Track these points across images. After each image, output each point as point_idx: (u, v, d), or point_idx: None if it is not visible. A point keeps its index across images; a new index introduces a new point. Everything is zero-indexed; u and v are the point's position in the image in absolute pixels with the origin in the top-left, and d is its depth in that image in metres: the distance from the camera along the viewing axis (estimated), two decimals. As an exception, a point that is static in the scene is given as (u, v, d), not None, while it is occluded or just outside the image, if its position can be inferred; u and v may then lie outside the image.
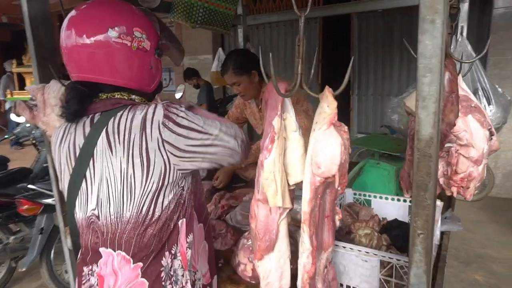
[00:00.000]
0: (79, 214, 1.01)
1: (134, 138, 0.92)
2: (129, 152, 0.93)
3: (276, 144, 0.90)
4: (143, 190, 0.94)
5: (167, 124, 0.91)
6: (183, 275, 1.01)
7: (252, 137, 3.09)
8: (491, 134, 1.30)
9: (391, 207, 1.50)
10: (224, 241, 1.46)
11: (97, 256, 0.98)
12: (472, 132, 1.26)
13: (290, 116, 0.95)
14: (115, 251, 0.95)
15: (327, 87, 0.86)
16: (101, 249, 0.97)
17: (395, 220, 1.30)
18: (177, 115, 0.92)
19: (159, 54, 1.04)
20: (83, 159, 0.98)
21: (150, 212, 0.95)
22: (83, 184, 0.99)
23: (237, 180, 2.28)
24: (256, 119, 2.27)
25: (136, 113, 0.94)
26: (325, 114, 0.83)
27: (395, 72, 5.27)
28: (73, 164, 1.00)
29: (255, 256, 1.00)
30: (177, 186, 0.97)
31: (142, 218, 0.94)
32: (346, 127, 0.90)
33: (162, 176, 0.93)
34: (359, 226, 1.27)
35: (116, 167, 0.94)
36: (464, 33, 2.11)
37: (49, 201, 2.66)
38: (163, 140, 0.91)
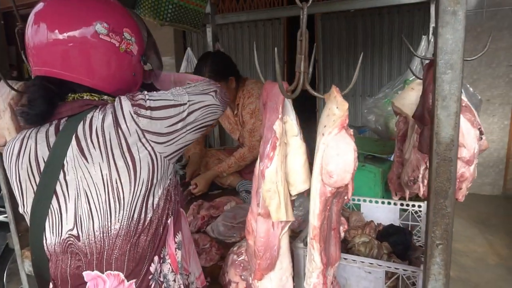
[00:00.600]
0: (51, 239, 0.85)
1: (110, 138, 0.80)
2: (108, 156, 0.80)
3: (278, 151, 0.81)
4: (133, 193, 0.82)
5: (139, 112, 0.81)
6: (174, 280, 0.90)
7: (224, 141, 2.97)
8: (481, 133, 1.29)
9: (381, 211, 1.45)
10: (209, 256, 1.34)
11: (79, 283, 0.83)
12: (464, 132, 1.24)
13: (291, 119, 0.85)
14: (103, 272, 0.82)
15: (334, 86, 0.78)
16: (85, 273, 0.83)
17: (391, 226, 1.25)
18: (144, 99, 0.83)
19: (145, 61, 0.96)
20: (51, 174, 0.83)
21: (142, 216, 0.83)
22: (54, 202, 0.84)
23: (213, 187, 2.16)
24: (231, 124, 2.16)
25: (106, 112, 0.82)
26: (334, 117, 0.75)
27: (359, 73, 5.37)
28: (37, 180, 0.84)
29: (254, 276, 0.90)
30: (165, 179, 0.88)
31: (134, 226, 0.82)
32: (351, 130, 0.82)
33: (151, 172, 0.83)
34: (354, 233, 1.21)
35: (95, 175, 0.81)
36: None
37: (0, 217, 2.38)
38: (142, 130, 0.80)
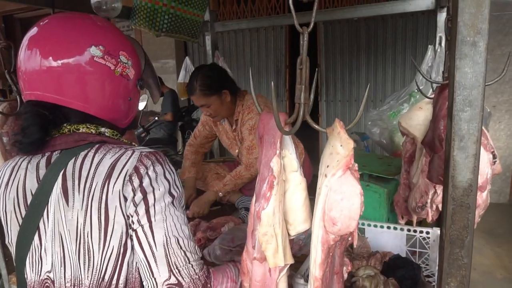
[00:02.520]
0: (31, 276, 0.81)
1: (95, 188, 0.74)
2: (87, 205, 0.74)
3: (276, 191, 0.73)
4: (102, 254, 0.75)
5: (133, 178, 0.74)
6: None
7: (224, 152, 2.89)
8: (494, 157, 1.21)
9: (386, 236, 1.37)
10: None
11: None
12: (476, 156, 1.16)
13: (290, 153, 0.78)
14: None
15: (337, 121, 0.70)
16: None
17: (398, 257, 1.17)
18: (147, 170, 0.75)
19: (141, 86, 0.90)
20: (36, 208, 0.78)
21: (114, 282, 0.75)
22: (36, 239, 0.79)
23: (212, 204, 2.08)
24: (230, 139, 2.08)
25: (105, 157, 0.76)
26: (338, 156, 0.67)
27: (362, 78, 5.28)
28: (23, 213, 0.79)
29: (250, 323, 0.82)
30: None
31: None
32: (356, 165, 0.74)
33: (123, 241, 0.75)
34: (358, 265, 1.13)
35: (71, 222, 0.75)
36: (443, 44, 2.05)
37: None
38: (124, 196, 0.73)
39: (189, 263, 0.77)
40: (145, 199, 0.74)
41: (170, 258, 0.75)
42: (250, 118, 1.89)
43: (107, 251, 0.74)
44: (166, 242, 0.74)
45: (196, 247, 0.80)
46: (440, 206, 1.30)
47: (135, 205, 0.74)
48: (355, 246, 0.74)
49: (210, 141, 2.23)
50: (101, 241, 0.74)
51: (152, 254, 0.74)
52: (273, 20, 2.93)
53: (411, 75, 4.78)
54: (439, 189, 1.26)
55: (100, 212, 0.73)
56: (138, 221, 0.74)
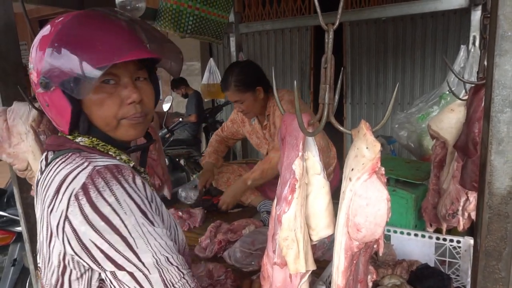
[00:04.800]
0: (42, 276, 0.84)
1: (47, 198, 0.71)
2: (41, 214, 0.74)
3: (298, 194, 0.70)
4: (48, 266, 0.75)
5: (80, 198, 0.66)
6: None
7: (247, 154, 2.88)
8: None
9: (414, 244, 1.31)
10: (224, 289, 1.25)
11: None
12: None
13: (313, 156, 0.75)
14: None
15: (363, 122, 0.67)
16: None
17: (427, 267, 1.11)
18: (100, 192, 0.67)
19: (45, 85, 0.72)
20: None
21: None
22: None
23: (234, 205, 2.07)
24: (259, 138, 2.06)
25: (63, 169, 0.71)
26: (364, 159, 0.63)
27: (389, 80, 5.15)
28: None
29: (269, 331, 0.80)
30: (91, 280, 0.74)
31: None
32: (383, 169, 0.70)
33: (62, 265, 0.72)
34: (384, 273, 1.08)
35: (39, 226, 0.77)
36: (477, 43, 1.96)
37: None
38: (66, 216, 0.67)
39: (183, 277, 0.72)
40: (114, 228, 0.66)
41: (165, 277, 0.70)
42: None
43: (51, 265, 0.73)
44: (157, 262, 0.69)
45: (183, 259, 0.75)
46: (472, 214, 1.23)
47: (98, 233, 0.66)
48: (380, 254, 0.70)
49: (235, 138, 2.25)
50: (47, 253, 0.73)
51: (146, 278, 0.68)
52: (297, 21, 2.90)
53: (441, 78, 4.61)
54: (472, 196, 1.19)
55: (47, 227, 0.71)
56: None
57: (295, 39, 5.57)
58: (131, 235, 0.67)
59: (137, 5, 1.06)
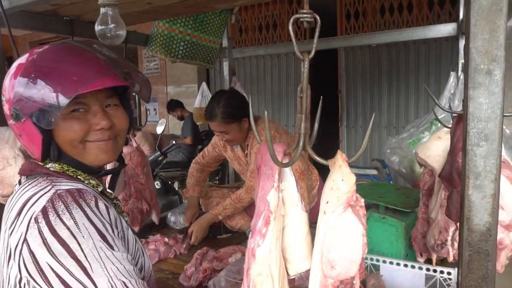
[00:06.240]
0: None
1: (8, 222, 0.71)
2: (4, 237, 0.72)
3: (273, 227, 0.68)
4: None
5: (39, 221, 0.66)
6: None
7: (239, 178, 2.85)
8: (522, 192, 1.11)
9: (404, 275, 1.27)
10: (205, 322, 1.19)
11: None
12: (501, 192, 1.06)
13: (290, 186, 0.73)
14: None
15: (340, 153, 0.65)
16: None
17: (415, 301, 1.07)
18: (59, 215, 0.66)
19: (16, 117, 0.73)
20: None
21: None
22: None
23: (223, 231, 2.02)
24: (241, 165, 2.04)
25: (27, 191, 0.72)
26: (339, 192, 0.61)
27: (384, 103, 5.18)
28: None
29: None
30: None
31: None
32: (362, 200, 0.68)
33: (17, 280, 0.68)
34: (371, 307, 1.03)
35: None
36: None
37: None
38: (25, 239, 0.66)
39: None
40: (70, 252, 0.64)
41: None
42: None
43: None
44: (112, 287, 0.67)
45: (144, 283, 0.73)
46: (456, 245, 1.20)
47: (54, 257, 0.64)
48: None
49: (217, 161, 2.22)
50: (6, 276, 0.70)
51: None
52: (291, 46, 2.93)
53: (435, 104, 4.64)
54: (454, 225, 1.16)
55: (8, 247, 0.69)
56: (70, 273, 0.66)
57: (291, 63, 5.64)
58: (87, 259, 0.66)
59: (117, 33, 1.07)
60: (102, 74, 0.74)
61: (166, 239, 1.81)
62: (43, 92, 0.70)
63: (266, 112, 0.68)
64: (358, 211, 0.63)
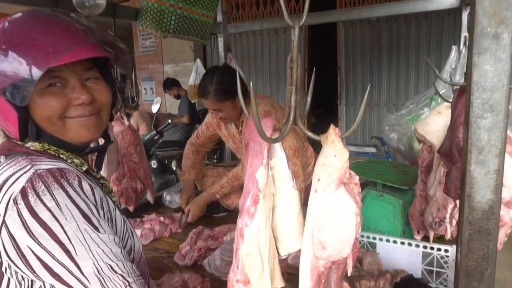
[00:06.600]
0: None
1: None
2: None
3: (262, 206, 0.64)
4: None
5: (18, 202, 0.62)
6: None
7: (234, 158, 2.82)
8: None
9: (400, 252, 1.25)
10: (199, 301, 1.18)
11: None
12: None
13: (280, 163, 0.69)
14: None
15: (332, 127, 0.60)
16: None
17: (411, 279, 1.05)
18: (39, 196, 0.63)
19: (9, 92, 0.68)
20: None
21: None
22: None
23: (218, 210, 2.01)
24: (236, 143, 2.00)
25: (5, 171, 0.68)
26: (331, 169, 0.57)
27: (384, 81, 5.10)
28: None
29: None
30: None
31: None
32: (357, 177, 0.64)
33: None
34: (366, 285, 1.02)
35: None
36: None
37: None
38: (3, 221, 0.63)
39: (129, 286, 0.68)
40: (52, 234, 0.62)
41: (108, 287, 0.65)
42: None
43: None
44: (98, 271, 0.65)
45: (132, 266, 0.71)
46: (454, 222, 1.17)
47: (35, 240, 0.62)
48: (349, 275, 0.63)
49: (212, 141, 2.18)
50: None
51: None
52: (286, 21, 2.83)
53: (435, 79, 4.56)
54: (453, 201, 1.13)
55: None
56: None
57: (288, 39, 5.51)
58: (70, 241, 0.63)
59: (96, 2, 1.00)
60: (78, 44, 0.68)
61: (162, 218, 1.79)
62: (14, 65, 0.65)
63: (251, 83, 0.63)
64: (352, 189, 0.59)
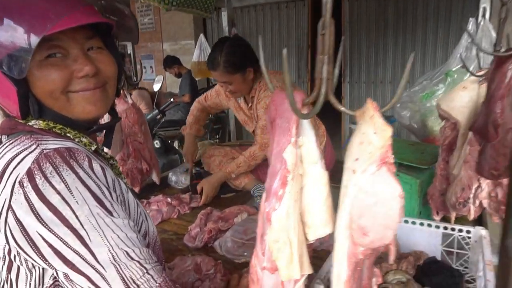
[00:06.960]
0: None
1: None
2: None
3: (290, 188, 0.59)
4: None
5: (25, 185, 0.58)
6: None
7: (241, 135, 2.76)
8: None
9: (419, 234, 1.21)
10: (213, 284, 1.15)
11: None
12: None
13: (309, 141, 0.63)
14: None
15: (370, 101, 0.54)
16: None
17: (434, 261, 1.01)
18: (47, 178, 0.58)
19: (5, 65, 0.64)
20: None
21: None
22: None
23: (226, 190, 1.96)
24: (246, 115, 1.95)
25: (8, 151, 0.63)
26: (371, 147, 0.51)
27: (389, 58, 4.99)
28: None
29: None
30: (43, 277, 0.65)
31: None
32: (392, 158, 0.58)
33: (7, 259, 0.63)
34: (387, 268, 0.98)
35: None
36: (487, 15, 1.81)
37: None
38: (9, 205, 0.58)
39: (147, 272, 0.63)
40: (63, 220, 0.58)
41: (124, 274, 0.61)
42: (266, 96, 1.75)
43: None
44: (114, 258, 0.60)
45: (149, 251, 0.67)
46: (484, 202, 1.13)
47: (45, 225, 0.58)
48: (391, 262, 0.59)
49: (218, 108, 2.16)
50: None
51: (102, 276, 0.59)
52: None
53: (442, 56, 4.46)
54: (485, 183, 1.08)
55: None
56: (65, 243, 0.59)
57: (291, 14, 5.36)
58: (83, 227, 0.59)
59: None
60: (76, 8, 0.62)
61: (169, 199, 1.75)
62: (9, 34, 0.59)
63: (284, 51, 0.56)
64: (391, 169, 0.54)
